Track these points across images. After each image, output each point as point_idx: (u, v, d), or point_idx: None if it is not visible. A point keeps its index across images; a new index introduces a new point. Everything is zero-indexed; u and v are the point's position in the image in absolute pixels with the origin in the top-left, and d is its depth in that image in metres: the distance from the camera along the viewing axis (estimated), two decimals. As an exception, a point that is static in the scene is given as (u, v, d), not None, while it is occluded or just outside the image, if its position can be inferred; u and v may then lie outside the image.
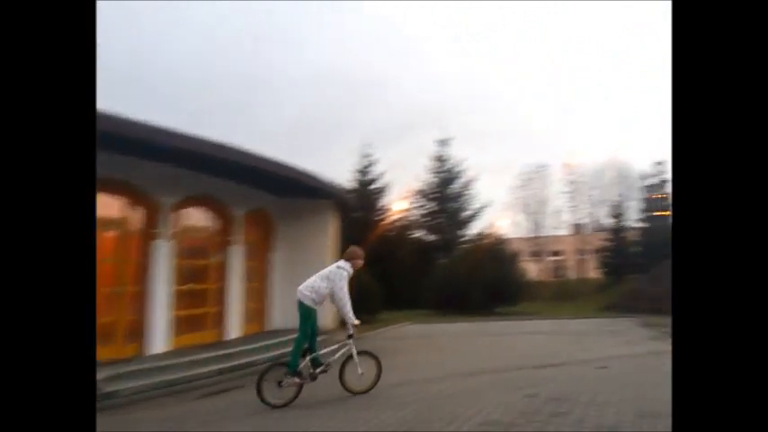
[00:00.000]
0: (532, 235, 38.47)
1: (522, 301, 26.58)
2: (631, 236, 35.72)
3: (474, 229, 30.94)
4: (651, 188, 36.14)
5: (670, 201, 34.03)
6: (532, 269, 36.62)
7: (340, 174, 29.21)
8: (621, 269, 32.75)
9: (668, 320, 16.21)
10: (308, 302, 6.78)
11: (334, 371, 6.87)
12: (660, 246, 29.95)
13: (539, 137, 57.08)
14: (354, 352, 6.88)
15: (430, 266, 25.14)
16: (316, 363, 6.84)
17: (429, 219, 30.30)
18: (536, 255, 38.62)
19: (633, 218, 36.54)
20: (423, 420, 5.65)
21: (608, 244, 35.10)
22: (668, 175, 34.62)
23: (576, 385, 6.92)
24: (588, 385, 6.89)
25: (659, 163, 35.48)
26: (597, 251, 35.88)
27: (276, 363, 6.99)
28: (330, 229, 14.99)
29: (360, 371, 6.83)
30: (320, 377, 6.79)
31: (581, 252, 38.41)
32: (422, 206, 30.77)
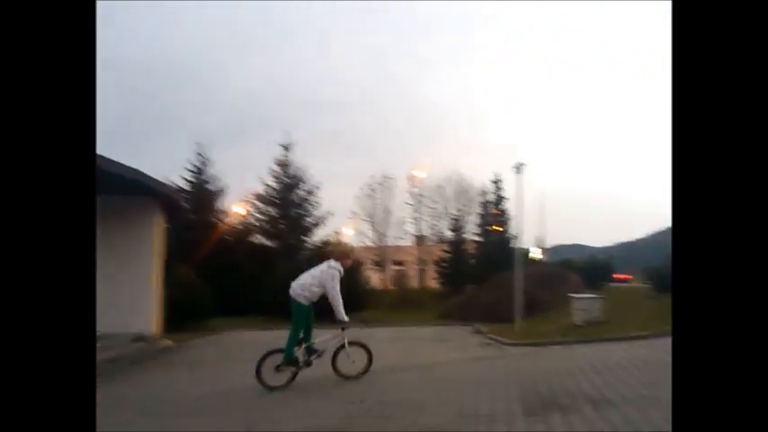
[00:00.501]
0: (376, 244, 39.36)
1: (363, 309, 26.96)
2: (469, 248, 37.93)
3: (317, 236, 30.84)
4: (488, 204, 38.71)
5: (506, 217, 36.76)
6: (375, 278, 37.53)
7: (173, 173, 27.56)
8: (459, 280, 34.58)
9: (496, 327, 17.39)
10: (300, 300, 7.33)
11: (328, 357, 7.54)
12: (493, 258, 32.18)
13: (386, 148, 58.92)
14: (346, 342, 7.58)
15: (269, 272, 24.56)
16: (310, 351, 7.50)
17: (270, 224, 29.59)
18: (379, 264, 39.46)
19: (471, 231, 38.89)
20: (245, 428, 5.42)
21: (447, 255, 36.92)
22: (504, 192, 37.39)
23: (405, 390, 7.05)
24: (416, 389, 7.06)
25: (496, 181, 38.14)
26: (437, 262, 37.58)
27: (273, 350, 7.35)
28: (155, 230, 13.92)
29: (351, 359, 7.54)
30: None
31: (422, 262, 40.02)
32: (263, 211, 29.98)
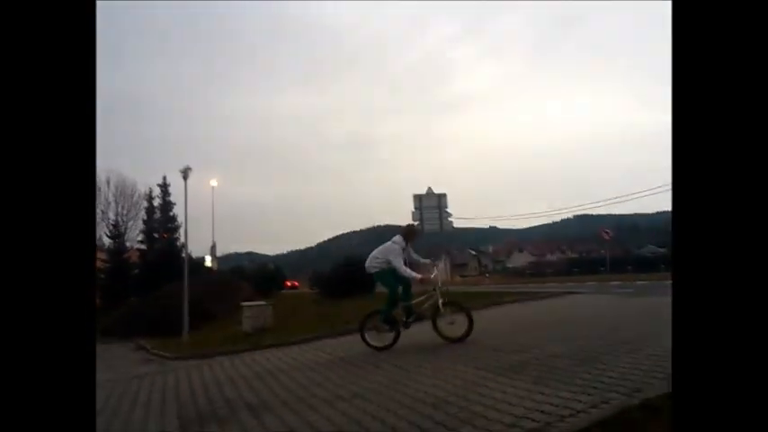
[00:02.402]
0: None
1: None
2: (133, 257, 35.67)
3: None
4: (155, 209, 37.03)
5: (179, 222, 35.54)
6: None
7: None
8: (120, 292, 32.21)
9: (162, 342, 16.65)
10: (372, 270, 8.26)
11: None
12: (160, 267, 30.79)
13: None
14: (440, 302, 7.84)
15: None
16: (408, 311, 8.12)
17: None
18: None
19: (134, 238, 36.64)
20: None
21: (106, 265, 34.10)
22: (174, 197, 36.20)
23: None
24: None
25: (164, 185, 36.70)
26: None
27: (373, 311, 8.35)
28: None
29: (448, 320, 7.79)
30: None
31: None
32: None
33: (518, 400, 4.36)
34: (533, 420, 3.78)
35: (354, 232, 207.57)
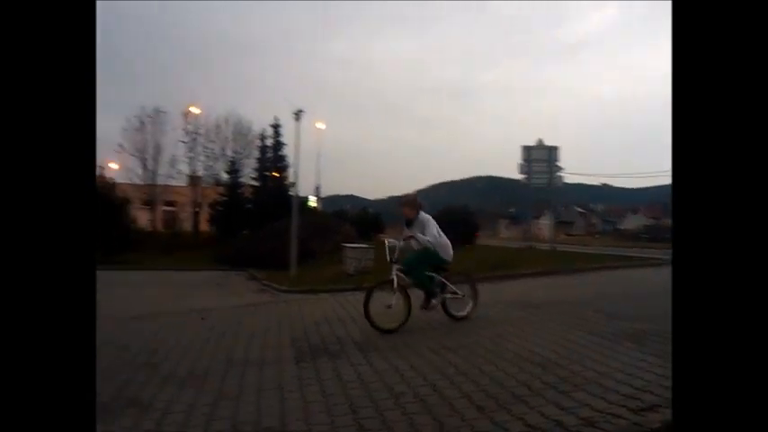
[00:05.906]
0: (146, 182, 36.61)
1: (129, 250, 25.48)
2: (246, 192, 37.25)
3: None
4: (267, 148, 38.29)
5: (288, 161, 36.59)
6: (144, 218, 35.35)
7: None
8: (234, 224, 33.87)
9: (271, 274, 17.39)
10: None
11: None
12: (270, 204, 31.99)
13: (158, 80, 54.55)
14: (389, 278, 6.63)
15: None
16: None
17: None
18: (149, 204, 36.99)
19: (248, 175, 38.15)
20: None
21: (223, 198, 35.85)
22: (284, 138, 37.20)
23: (175, 336, 6.87)
24: (186, 335, 6.87)
25: (276, 125, 37.72)
26: (212, 205, 36.33)
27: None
28: None
29: (386, 303, 6.47)
30: None
31: (196, 204, 38.14)
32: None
33: (636, 370, 4.09)
34: (654, 394, 3.54)
35: (454, 182, 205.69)
